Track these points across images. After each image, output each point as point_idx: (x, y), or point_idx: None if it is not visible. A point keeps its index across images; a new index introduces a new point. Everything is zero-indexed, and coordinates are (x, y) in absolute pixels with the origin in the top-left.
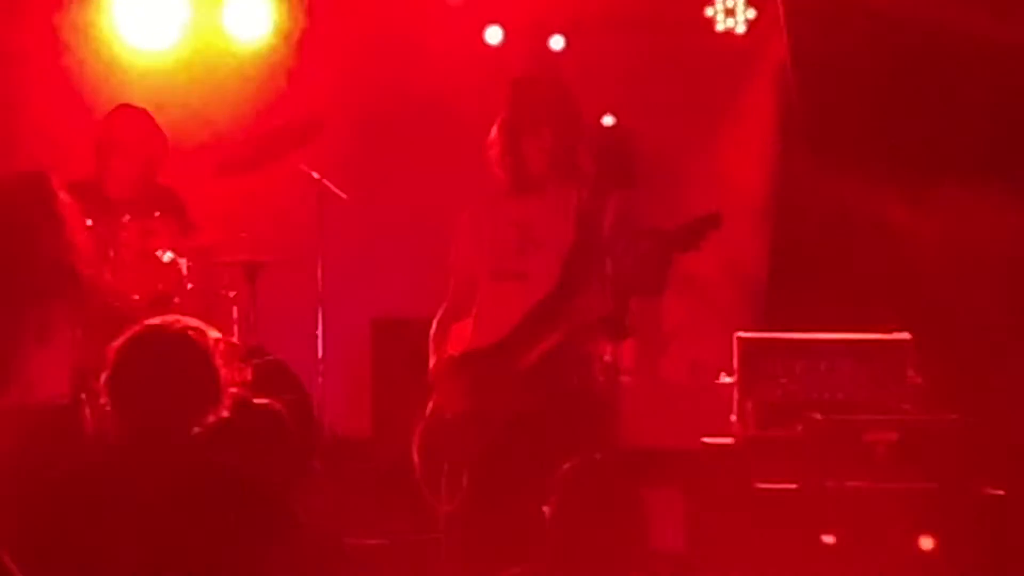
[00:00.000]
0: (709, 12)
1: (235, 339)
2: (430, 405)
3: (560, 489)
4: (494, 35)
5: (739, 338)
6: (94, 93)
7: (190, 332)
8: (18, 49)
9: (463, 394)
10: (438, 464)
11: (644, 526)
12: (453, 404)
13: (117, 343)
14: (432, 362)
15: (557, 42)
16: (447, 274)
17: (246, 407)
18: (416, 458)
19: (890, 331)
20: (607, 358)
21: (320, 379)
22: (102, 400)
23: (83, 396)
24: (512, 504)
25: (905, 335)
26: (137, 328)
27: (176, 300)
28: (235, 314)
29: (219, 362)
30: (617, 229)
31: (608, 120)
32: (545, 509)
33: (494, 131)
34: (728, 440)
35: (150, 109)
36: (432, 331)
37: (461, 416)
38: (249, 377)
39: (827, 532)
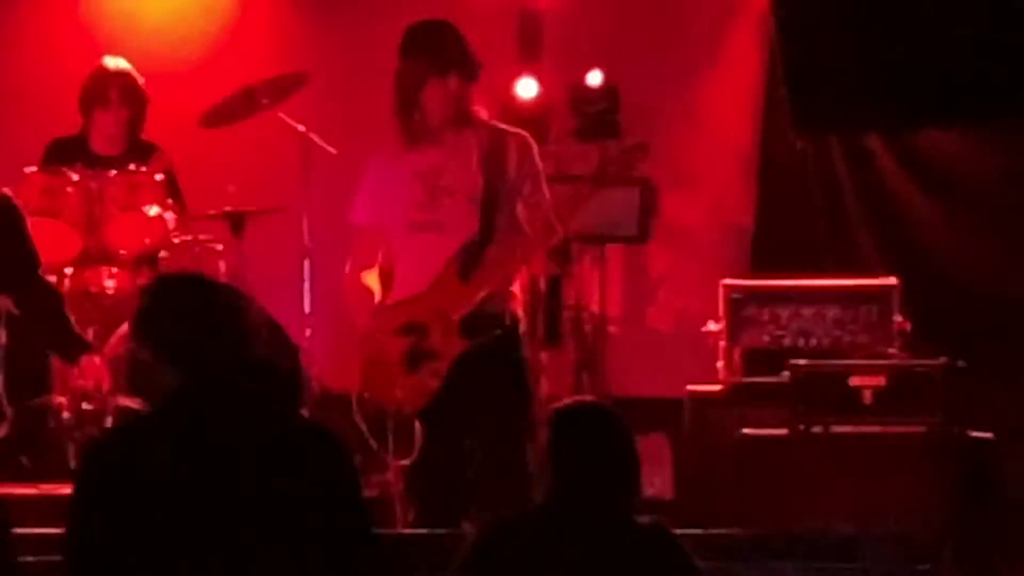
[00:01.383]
0: None
1: None
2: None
3: (554, 428)
4: None
5: (725, 285)
6: (81, 48)
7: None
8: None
9: (400, 337)
10: (381, 417)
11: (638, 471)
12: (391, 348)
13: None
14: (358, 316)
15: None
16: (350, 230)
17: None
18: (357, 413)
19: (876, 276)
20: (594, 308)
21: (308, 332)
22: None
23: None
24: (465, 448)
25: (892, 280)
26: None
27: (163, 254)
28: (222, 267)
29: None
30: (520, 171)
31: (595, 78)
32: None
33: (393, 81)
34: (715, 387)
35: (134, 62)
36: (347, 285)
37: (401, 365)
38: None
39: (817, 479)
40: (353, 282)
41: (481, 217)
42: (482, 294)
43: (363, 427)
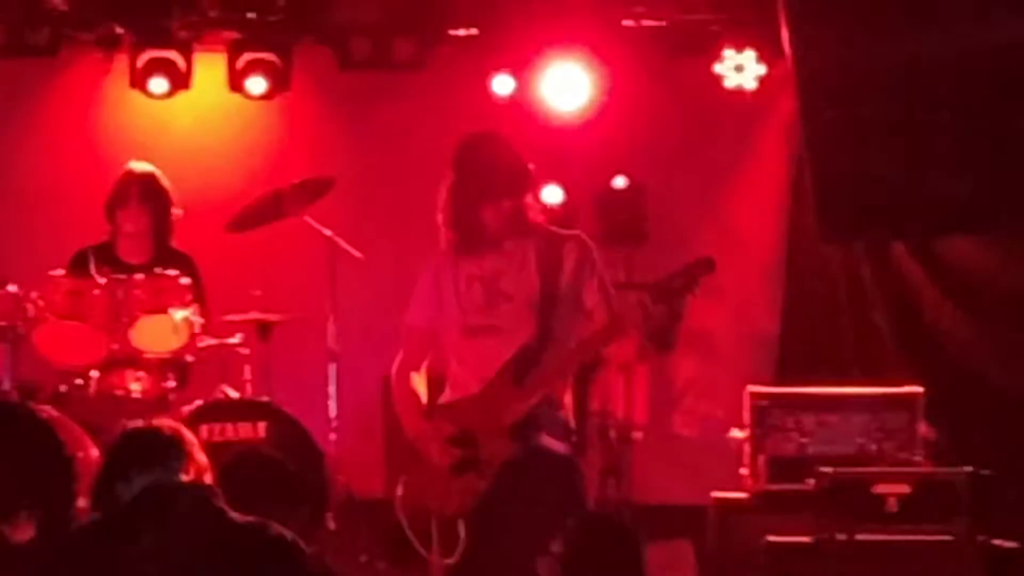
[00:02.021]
0: (718, 68)
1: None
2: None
3: (567, 545)
4: (503, 85)
5: (750, 392)
6: (112, 155)
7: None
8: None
9: (450, 445)
10: (427, 518)
11: None
12: (441, 456)
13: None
14: (407, 418)
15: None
16: (403, 331)
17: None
18: (401, 514)
19: (902, 384)
20: (619, 414)
21: (333, 437)
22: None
23: None
24: (510, 554)
25: (917, 389)
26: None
27: (189, 358)
28: (248, 373)
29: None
30: (578, 274)
31: (620, 182)
32: (541, 561)
33: (443, 194)
34: (740, 494)
35: (164, 168)
36: (395, 387)
37: (448, 471)
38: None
39: None
40: (402, 383)
41: (539, 321)
42: (535, 399)
43: (406, 527)
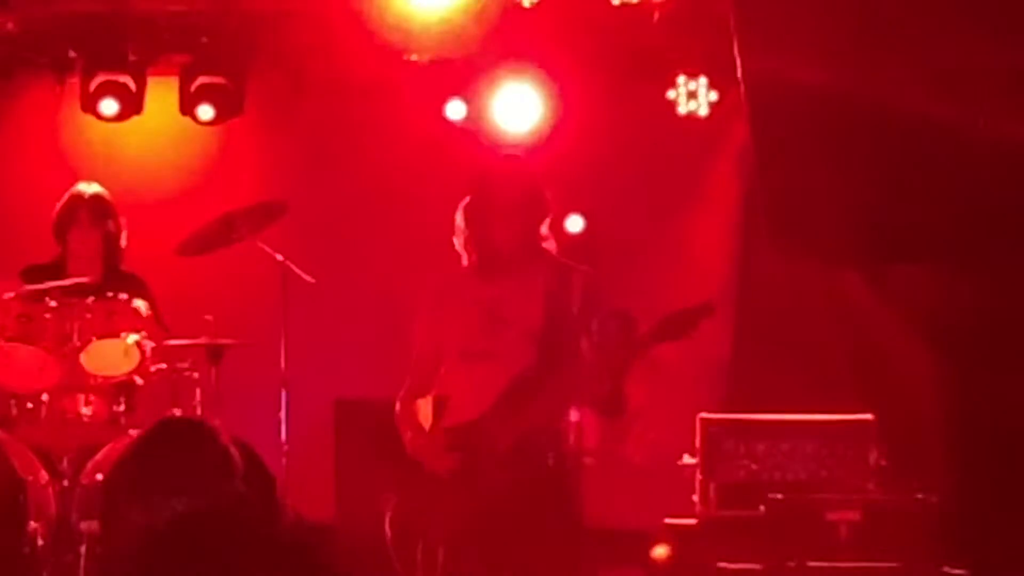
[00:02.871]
0: (671, 95)
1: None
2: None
3: None
4: (455, 110)
5: (701, 419)
6: (60, 175)
7: None
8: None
9: (450, 456)
10: (413, 541)
11: None
12: (442, 466)
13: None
14: (409, 437)
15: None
16: (409, 352)
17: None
18: (389, 534)
19: (853, 412)
20: (570, 439)
21: (284, 461)
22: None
23: None
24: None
25: (868, 416)
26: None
27: (139, 381)
28: (199, 396)
29: None
30: (585, 308)
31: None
32: None
33: (460, 216)
34: (691, 521)
35: (112, 190)
36: (398, 410)
37: (450, 481)
38: None
39: None
40: (405, 408)
41: (539, 351)
42: (528, 427)
43: (391, 546)
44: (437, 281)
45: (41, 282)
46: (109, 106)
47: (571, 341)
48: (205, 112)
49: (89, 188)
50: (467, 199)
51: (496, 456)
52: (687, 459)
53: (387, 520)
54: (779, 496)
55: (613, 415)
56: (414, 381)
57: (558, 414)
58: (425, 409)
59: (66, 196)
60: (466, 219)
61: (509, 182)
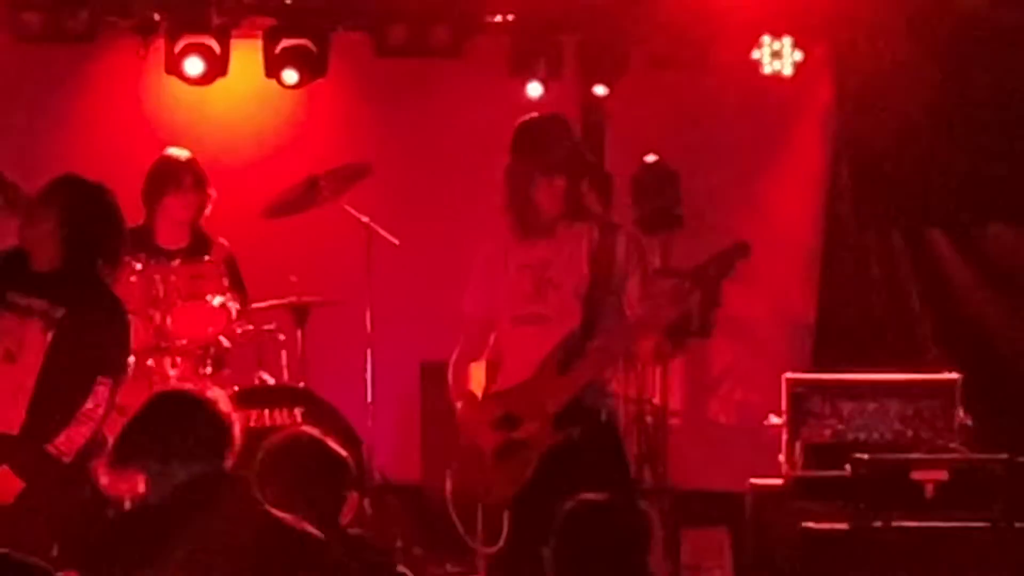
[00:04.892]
0: (756, 54)
1: (285, 382)
2: (459, 447)
3: (560, 532)
4: (534, 89)
5: (787, 379)
6: (146, 138)
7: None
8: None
9: (495, 430)
10: (472, 505)
11: (644, 569)
12: (486, 440)
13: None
14: (459, 405)
15: (600, 89)
16: (461, 318)
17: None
18: (450, 501)
19: (939, 371)
20: (656, 400)
21: (369, 422)
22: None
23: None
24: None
25: (954, 375)
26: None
27: (225, 343)
28: (284, 358)
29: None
30: (629, 266)
31: (650, 157)
32: (544, 551)
33: (500, 176)
34: (776, 481)
35: (198, 153)
36: (451, 375)
37: (495, 454)
38: (299, 421)
39: (878, 573)
40: (457, 372)
41: (584, 311)
42: (579, 387)
43: (453, 514)
44: (486, 248)
45: (128, 246)
46: (194, 66)
47: (615, 300)
48: (290, 75)
49: (183, 153)
50: (506, 159)
51: (547, 418)
52: (773, 419)
53: (447, 488)
54: (864, 456)
55: (702, 334)
56: (466, 347)
57: (607, 372)
58: (478, 374)
59: (160, 160)
60: (508, 181)
61: (549, 142)
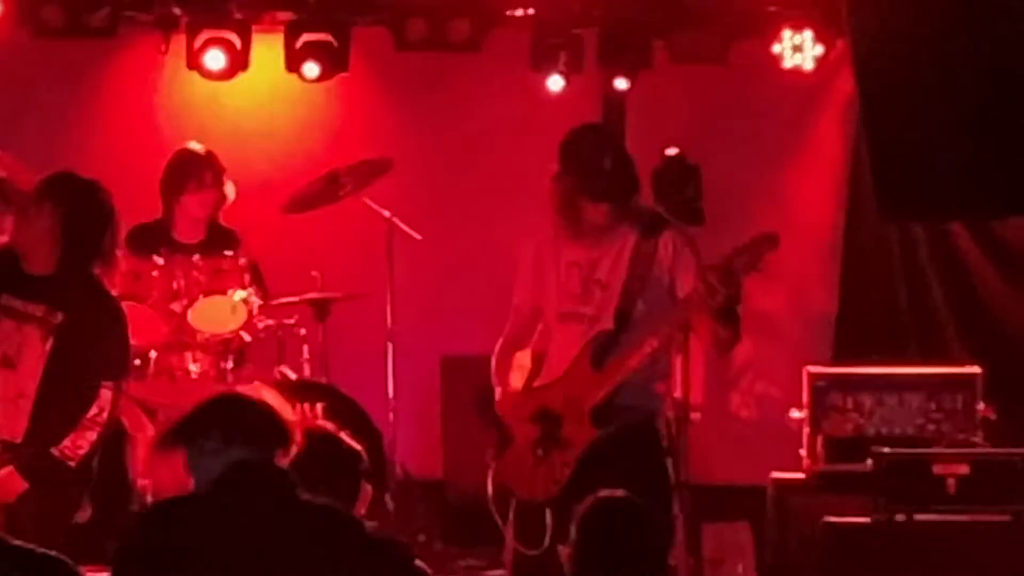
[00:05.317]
0: (776, 49)
1: (306, 377)
2: (499, 439)
3: (578, 529)
4: (555, 83)
5: (808, 372)
6: (169, 136)
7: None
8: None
9: (531, 424)
10: (510, 499)
11: (663, 565)
12: (523, 438)
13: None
14: (498, 394)
15: (621, 83)
16: (509, 306)
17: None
18: (490, 491)
19: (960, 364)
20: (676, 394)
21: (391, 417)
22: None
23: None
24: None
25: (975, 368)
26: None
27: (246, 338)
28: (306, 353)
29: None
30: (675, 263)
31: (671, 151)
32: (561, 549)
33: (549, 182)
34: (798, 475)
35: (217, 148)
36: (494, 363)
37: (532, 454)
38: (320, 415)
39: (900, 567)
40: (500, 360)
41: (618, 307)
42: (614, 383)
43: (493, 510)
44: (538, 240)
45: (148, 241)
46: (215, 61)
47: (655, 297)
48: (311, 69)
49: (202, 148)
50: (556, 167)
51: (585, 415)
52: (794, 413)
53: (488, 478)
54: (886, 450)
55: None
56: (512, 334)
57: (645, 369)
58: (524, 361)
59: (179, 155)
60: (556, 190)
61: (593, 165)
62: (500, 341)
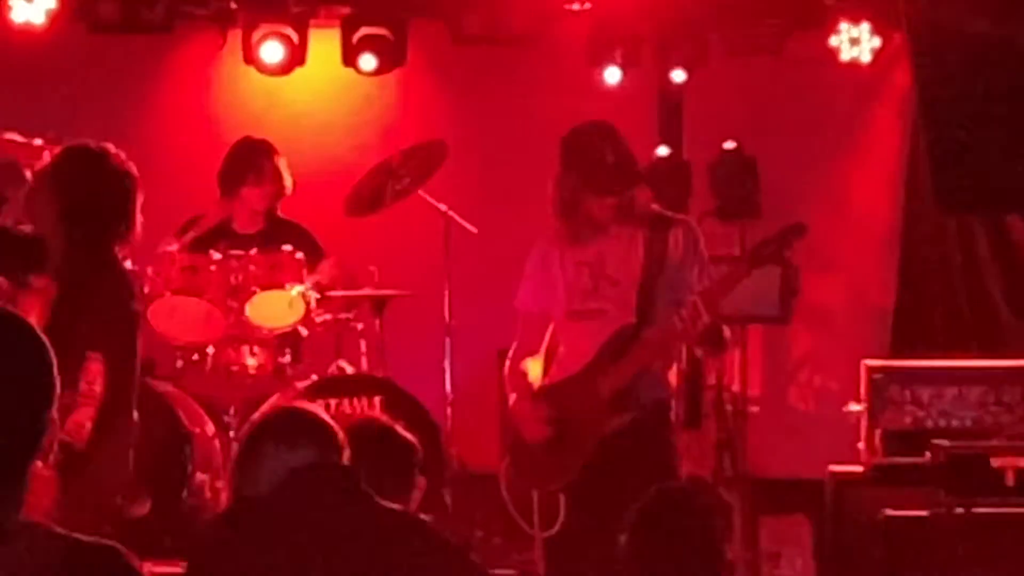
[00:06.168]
0: (833, 41)
1: (363, 371)
2: (512, 440)
3: (638, 518)
4: (612, 75)
5: (866, 366)
6: (226, 131)
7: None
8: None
9: (546, 424)
10: (528, 493)
11: (721, 557)
12: (536, 435)
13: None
14: (512, 399)
15: (678, 75)
16: (517, 316)
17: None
18: (504, 490)
19: (1019, 357)
20: (735, 388)
21: (448, 411)
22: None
23: None
24: (608, 526)
25: None
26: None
27: (304, 333)
28: (363, 347)
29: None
30: (686, 258)
31: (729, 144)
32: (621, 538)
33: (550, 185)
34: (856, 468)
35: (277, 143)
36: (507, 369)
37: (547, 444)
38: (378, 409)
39: (959, 560)
40: (515, 367)
41: (638, 303)
42: (631, 373)
43: (509, 503)
44: (539, 245)
45: (208, 235)
46: (273, 55)
47: (669, 291)
48: (367, 63)
49: (264, 142)
50: (556, 169)
51: (602, 404)
52: (852, 406)
53: (501, 478)
54: (945, 443)
55: (715, 350)
56: (523, 343)
57: (659, 360)
58: (535, 368)
59: (239, 148)
60: (558, 192)
61: (596, 159)
62: (513, 347)
